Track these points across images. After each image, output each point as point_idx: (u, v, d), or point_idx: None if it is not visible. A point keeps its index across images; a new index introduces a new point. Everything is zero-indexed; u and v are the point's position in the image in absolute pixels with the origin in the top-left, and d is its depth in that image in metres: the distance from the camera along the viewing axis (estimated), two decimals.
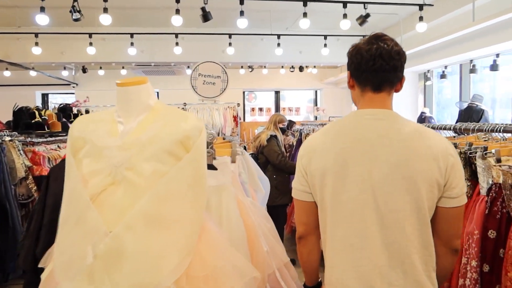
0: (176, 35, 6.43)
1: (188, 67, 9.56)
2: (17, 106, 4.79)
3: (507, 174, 1.91)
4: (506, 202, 1.89)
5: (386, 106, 1.32)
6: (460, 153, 2.14)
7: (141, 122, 1.37)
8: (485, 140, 2.44)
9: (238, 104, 10.83)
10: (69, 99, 11.58)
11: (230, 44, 6.57)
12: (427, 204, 1.25)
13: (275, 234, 2.02)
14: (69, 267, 1.24)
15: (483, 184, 2.00)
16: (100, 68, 9.45)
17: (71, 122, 6.97)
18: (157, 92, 11.39)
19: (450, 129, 2.57)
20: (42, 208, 1.87)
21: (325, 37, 6.84)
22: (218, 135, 10.51)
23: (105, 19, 4.69)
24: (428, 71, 7.58)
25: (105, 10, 4.64)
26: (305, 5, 4.77)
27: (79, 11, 4.37)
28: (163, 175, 1.28)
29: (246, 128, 10.52)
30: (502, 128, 2.04)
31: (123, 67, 9.47)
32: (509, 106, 6.81)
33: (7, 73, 9.32)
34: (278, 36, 6.72)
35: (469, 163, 2.12)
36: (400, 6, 5.77)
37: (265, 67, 9.87)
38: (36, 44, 6.50)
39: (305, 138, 5.85)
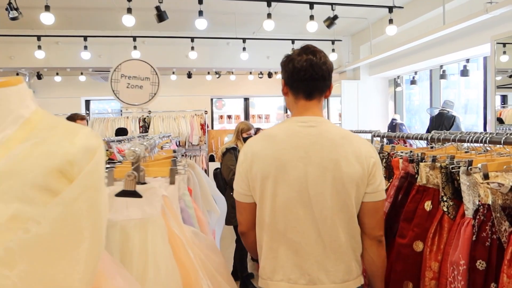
0: (134, 38, 6.00)
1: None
2: None
3: (497, 193, 1.62)
4: (496, 227, 1.60)
5: (317, 113, 1.49)
6: (441, 167, 1.85)
7: (5, 141, 0.87)
8: (466, 152, 2.17)
9: (206, 111, 10.46)
10: None
11: (192, 48, 6.19)
12: (354, 201, 1.45)
13: (224, 269, 1.66)
14: None
15: (469, 205, 1.70)
16: (57, 74, 8.85)
17: None
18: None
19: (425, 139, 2.29)
20: None
21: (293, 41, 6.57)
22: (185, 144, 10.13)
23: (47, 18, 4.22)
24: (398, 77, 7.44)
25: (47, 8, 4.17)
26: (269, 5, 4.48)
27: (16, 9, 3.90)
28: (28, 220, 0.79)
29: (214, 136, 10.13)
30: (488, 139, 1.75)
31: (81, 73, 8.91)
32: (474, 112, 6.74)
33: None
34: (244, 40, 6.39)
35: (451, 179, 1.83)
36: (370, 9, 5.58)
37: (232, 73, 9.53)
38: None
39: None
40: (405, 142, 4.61)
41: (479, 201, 1.66)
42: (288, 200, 1.42)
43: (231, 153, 3.77)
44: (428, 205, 1.92)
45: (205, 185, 2.53)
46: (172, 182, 1.62)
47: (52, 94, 10.09)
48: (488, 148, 1.93)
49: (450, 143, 2.14)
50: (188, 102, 10.34)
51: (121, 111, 10.64)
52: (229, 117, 11.39)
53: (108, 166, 1.56)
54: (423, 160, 2.01)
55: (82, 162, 0.85)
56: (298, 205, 1.42)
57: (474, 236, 1.62)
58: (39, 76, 8.64)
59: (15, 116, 0.91)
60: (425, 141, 2.71)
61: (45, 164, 0.83)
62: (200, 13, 4.45)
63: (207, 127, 10.17)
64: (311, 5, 4.73)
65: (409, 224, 1.96)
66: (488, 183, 1.63)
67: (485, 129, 5.50)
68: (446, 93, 7.00)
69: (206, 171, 9.83)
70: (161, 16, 4.30)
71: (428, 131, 6.02)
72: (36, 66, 6.94)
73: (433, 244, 1.81)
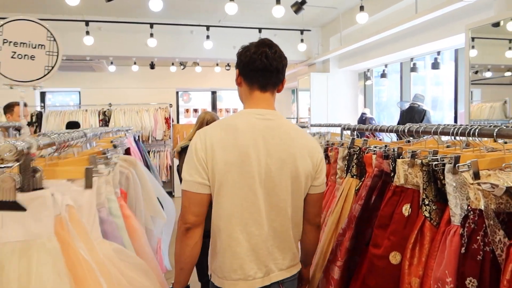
0: (87, 22, 5.48)
1: (112, 63, 8.56)
2: None
3: (489, 196, 1.34)
4: (489, 237, 1.33)
5: (271, 106, 1.53)
6: (422, 165, 1.56)
7: None
8: (447, 146, 1.90)
9: (171, 105, 9.97)
10: None
11: (152, 35, 5.73)
12: (304, 192, 1.54)
13: None
14: None
15: (456, 210, 1.42)
16: None
17: None
18: (79, 92, 10.20)
19: (401, 131, 2.00)
20: None
21: (260, 30, 6.23)
22: (148, 139, 9.64)
23: None
24: (368, 70, 7.25)
25: None
26: None
27: None
28: None
29: (179, 131, 9.68)
30: (477, 131, 1.48)
31: None
32: (441, 108, 6.65)
33: None
34: (207, 27, 5.99)
35: (433, 178, 1.54)
36: None
37: (198, 64, 9.10)
38: None
39: None
40: (374, 136, 4.38)
41: (468, 205, 1.38)
42: (249, 191, 1.43)
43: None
44: (406, 209, 1.63)
45: (148, 187, 2.16)
46: (88, 186, 1.24)
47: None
48: (476, 140, 1.66)
49: (429, 136, 1.86)
50: (152, 95, 9.83)
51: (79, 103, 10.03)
52: (196, 110, 10.95)
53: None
54: (400, 156, 1.72)
55: None
56: (258, 197, 1.44)
57: (463, 248, 1.34)
58: None
59: None
60: (396, 135, 2.45)
61: None
62: None
63: (172, 121, 9.70)
64: None
65: (384, 232, 1.67)
66: (479, 184, 1.35)
67: (456, 123, 5.36)
68: (415, 89, 6.87)
69: (171, 168, 9.38)
70: None
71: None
72: None
73: (413, 257, 1.52)
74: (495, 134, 1.41)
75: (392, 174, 1.74)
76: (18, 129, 3.25)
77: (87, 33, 5.49)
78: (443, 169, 1.47)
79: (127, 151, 2.52)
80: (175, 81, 10.20)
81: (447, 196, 1.46)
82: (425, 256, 1.49)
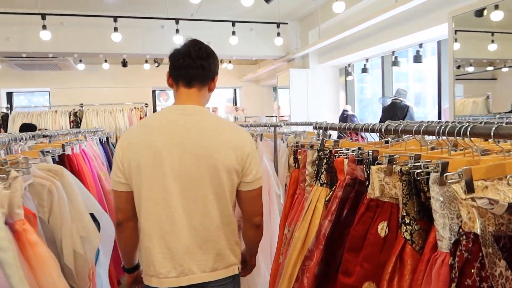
0: (43, 16, 5.04)
1: (81, 60, 8.10)
2: None
3: (487, 216, 1.03)
4: (488, 270, 1.01)
5: (196, 101, 1.53)
6: (401, 173, 1.24)
7: None
8: (432, 148, 1.58)
9: (146, 104, 9.52)
10: None
11: (116, 29, 5.32)
12: (228, 188, 1.48)
13: None
14: None
15: (444, 233, 1.10)
16: None
17: None
18: (48, 92, 9.70)
19: (377, 130, 1.68)
20: None
21: (233, 23, 5.87)
22: None
23: None
24: (349, 65, 6.96)
25: None
26: None
27: None
28: None
29: None
30: (469, 129, 1.16)
31: None
32: (423, 105, 6.41)
33: None
34: (177, 21, 5.59)
35: (415, 190, 1.22)
36: None
37: None
38: None
39: None
40: (357, 136, 4.08)
41: (460, 227, 1.07)
42: (164, 188, 1.44)
43: None
44: (383, 228, 1.31)
45: (78, 202, 1.81)
46: None
47: None
48: (466, 140, 1.34)
49: (411, 136, 1.54)
50: (126, 94, 9.39)
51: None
52: None
53: None
54: (376, 162, 1.40)
55: None
56: (173, 193, 1.44)
57: (454, 284, 1.02)
58: None
59: None
60: (378, 135, 2.14)
61: None
62: None
63: None
64: None
65: (357, 256, 1.35)
66: (473, 199, 1.03)
67: (440, 119, 5.11)
68: (398, 86, 6.62)
69: None
70: None
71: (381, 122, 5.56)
72: None
73: None
74: (492, 134, 1.09)
75: (367, 183, 1.42)
76: None
77: (44, 27, 5.05)
78: (427, 179, 1.15)
79: (62, 158, 2.15)
80: (151, 80, 9.78)
81: (432, 213, 1.14)
82: None
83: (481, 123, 1.22)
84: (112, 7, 5.53)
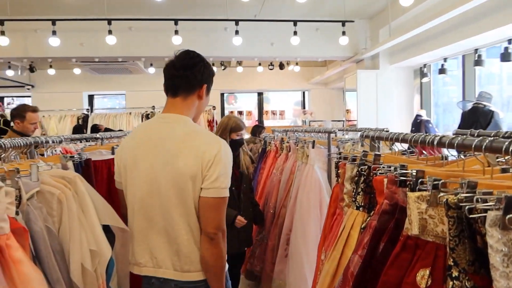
0: (109, 21, 5.21)
1: (151, 64, 8.37)
2: None
3: None
4: None
5: (179, 110, 1.63)
6: (448, 205, 0.89)
7: None
8: (503, 171, 1.18)
9: (214, 107, 9.63)
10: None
11: (176, 32, 5.33)
12: (193, 195, 1.53)
13: None
14: None
15: None
16: (50, 66, 8.26)
17: None
18: (124, 94, 10.22)
19: (408, 141, 1.31)
20: None
21: (295, 23, 5.58)
22: None
23: None
24: (425, 65, 6.31)
25: None
26: None
27: None
28: None
29: None
30: None
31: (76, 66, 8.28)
32: None
33: None
34: (237, 22, 5.46)
35: (468, 231, 0.87)
36: None
37: (240, 64, 8.64)
38: None
39: (269, 147, 4.67)
40: (432, 150, 3.56)
41: None
42: (140, 189, 1.59)
43: None
44: (423, 278, 0.98)
45: (90, 213, 1.67)
46: None
47: (51, 88, 9.56)
48: None
49: (472, 153, 1.16)
50: None
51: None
52: (240, 113, 10.51)
53: None
54: (417, 187, 1.06)
55: None
56: (147, 196, 1.57)
57: None
58: (31, 69, 8.08)
59: None
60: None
61: None
62: None
63: (216, 123, 9.36)
64: None
65: None
66: None
67: None
68: (486, 89, 5.82)
69: None
70: None
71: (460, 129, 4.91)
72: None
73: None
74: None
75: None
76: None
77: (110, 32, 5.22)
78: (484, 217, 0.80)
79: (88, 164, 2.06)
80: (220, 83, 9.84)
81: (489, 266, 0.79)
82: None
83: None
84: (174, 11, 5.56)
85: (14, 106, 10.14)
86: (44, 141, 2.00)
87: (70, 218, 1.63)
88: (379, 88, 6.58)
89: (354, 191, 1.55)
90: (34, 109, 3.80)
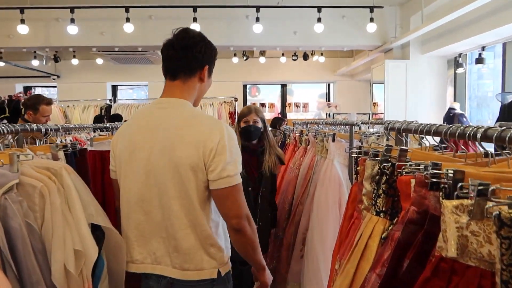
0: (127, 8, 5.06)
1: None
2: None
3: None
4: None
5: (178, 94, 1.48)
6: (500, 222, 0.65)
7: None
8: None
9: (236, 98, 9.43)
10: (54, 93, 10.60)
11: (195, 19, 5.13)
12: (192, 186, 1.40)
13: None
14: None
15: None
16: (74, 56, 8.26)
17: (1, 118, 5.83)
18: (146, 85, 10.17)
19: (433, 133, 1.06)
20: None
21: (319, 9, 5.28)
22: None
23: None
24: (460, 55, 5.88)
25: None
26: None
27: None
28: None
29: None
30: None
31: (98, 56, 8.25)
32: None
33: None
34: (257, 8, 5.20)
35: None
36: None
37: (262, 54, 8.39)
38: None
39: (288, 140, 4.44)
40: (466, 145, 3.22)
41: None
42: (136, 181, 1.47)
43: None
44: None
45: (76, 209, 1.51)
46: None
47: (76, 78, 9.60)
48: None
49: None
50: (218, 88, 9.38)
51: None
52: (263, 105, 10.25)
53: None
54: (454, 192, 0.81)
55: None
56: (144, 187, 1.45)
57: None
58: (56, 59, 8.10)
59: None
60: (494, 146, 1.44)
61: None
62: None
63: (237, 115, 9.18)
64: None
65: None
66: None
67: None
68: None
69: None
70: None
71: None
72: (15, 46, 6.19)
73: None
74: None
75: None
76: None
77: (127, 20, 5.09)
78: None
79: (83, 155, 1.89)
80: (241, 74, 9.64)
81: None
82: None
83: None
84: None
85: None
86: (32, 129, 1.85)
87: (53, 214, 1.47)
88: (408, 80, 6.19)
89: (375, 192, 1.30)
90: (48, 102, 3.70)
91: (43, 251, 1.47)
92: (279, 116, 9.73)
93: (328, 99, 10.61)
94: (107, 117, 8.75)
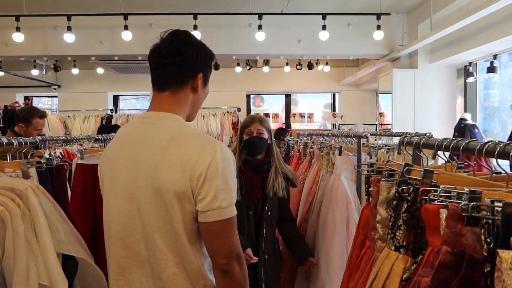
0: (125, 16, 4.92)
1: None
2: None
3: None
4: None
5: (166, 108, 1.27)
6: None
7: None
8: None
9: (239, 109, 9.25)
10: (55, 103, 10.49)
11: (195, 27, 4.98)
12: (178, 217, 1.19)
13: None
14: None
15: None
16: (74, 66, 8.14)
17: None
18: (148, 95, 10.02)
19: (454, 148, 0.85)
20: None
21: (324, 16, 5.10)
22: None
23: None
24: (470, 63, 5.67)
25: None
26: None
27: None
28: None
29: None
30: None
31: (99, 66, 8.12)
32: None
33: None
34: (260, 16, 5.03)
35: None
36: None
37: (266, 63, 8.23)
38: None
39: (292, 152, 4.23)
40: (484, 162, 2.99)
41: None
42: (118, 208, 1.26)
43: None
44: None
45: (43, 236, 1.31)
46: None
47: (76, 88, 9.48)
48: None
49: None
50: (221, 98, 9.24)
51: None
52: (267, 115, 10.07)
53: None
54: (510, 236, 0.60)
55: None
56: (126, 216, 1.24)
57: None
58: (56, 68, 7.98)
59: None
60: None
61: None
62: None
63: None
64: None
65: None
66: None
67: None
68: None
69: None
70: None
71: (510, 139, 4.30)
72: (10, 55, 6.09)
73: None
74: None
75: (489, 269, 0.64)
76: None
77: (126, 27, 4.94)
78: None
79: (60, 171, 1.69)
80: (244, 83, 9.48)
81: None
82: None
83: None
84: (195, 5, 5.22)
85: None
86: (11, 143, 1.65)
87: (15, 243, 1.27)
88: (417, 89, 5.99)
89: (392, 221, 1.09)
90: (42, 115, 3.54)
91: (2, 286, 1.28)
92: (284, 126, 9.54)
93: (334, 109, 10.41)
94: (108, 128, 8.61)
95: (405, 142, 1.42)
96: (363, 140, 2.71)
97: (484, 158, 1.12)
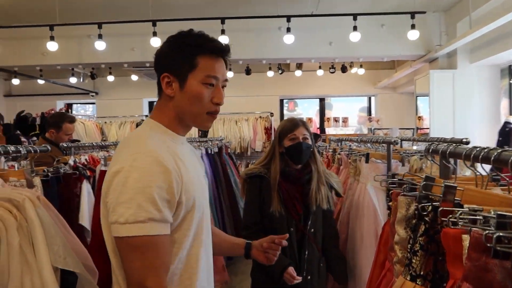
0: (154, 22, 4.94)
1: None
2: None
3: None
4: None
5: (153, 113, 1.26)
6: None
7: None
8: None
9: (272, 113, 9.14)
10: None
11: (223, 31, 4.92)
12: (106, 225, 1.11)
13: None
14: None
15: None
16: (110, 73, 8.34)
17: (31, 135, 5.87)
18: None
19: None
20: None
21: (355, 16, 4.90)
22: (247, 151, 9.04)
23: None
24: None
25: None
26: None
27: None
28: None
29: None
30: None
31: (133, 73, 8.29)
32: None
33: (15, 81, 8.58)
34: (288, 18, 4.90)
35: None
36: None
37: (298, 67, 8.08)
38: None
39: (321, 159, 4.07)
40: None
41: None
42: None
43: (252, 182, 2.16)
44: None
45: (39, 249, 1.25)
46: None
47: (113, 95, 9.73)
48: None
49: None
50: (254, 103, 9.22)
51: None
52: None
53: None
54: None
55: None
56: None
57: None
58: (92, 76, 8.22)
59: None
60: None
61: None
62: None
63: (273, 131, 8.92)
64: None
65: None
66: None
67: None
68: None
69: None
70: None
71: None
72: (43, 63, 6.28)
73: None
74: None
75: None
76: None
77: (154, 34, 4.96)
78: None
79: (67, 181, 1.64)
80: (278, 88, 9.38)
81: None
82: None
83: None
84: (223, 9, 5.18)
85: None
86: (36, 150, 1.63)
87: (10, 256, 1.22)
88: (456, 91, 5.65)
89: (411, 243, 0.94)
90: (72, 120, 3.61)
91: None
92: (318, 131, 9.34)
93: (370, 113, 10.09)
94: None
95: (430, 150, 1.25)
96: (395, 146, 2.52)
97: None
